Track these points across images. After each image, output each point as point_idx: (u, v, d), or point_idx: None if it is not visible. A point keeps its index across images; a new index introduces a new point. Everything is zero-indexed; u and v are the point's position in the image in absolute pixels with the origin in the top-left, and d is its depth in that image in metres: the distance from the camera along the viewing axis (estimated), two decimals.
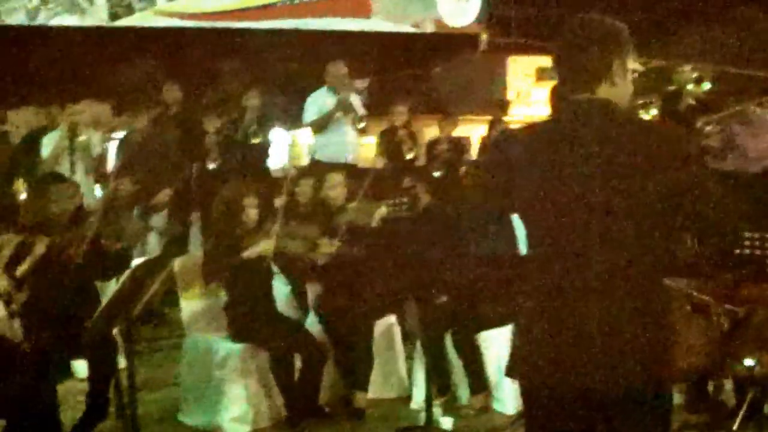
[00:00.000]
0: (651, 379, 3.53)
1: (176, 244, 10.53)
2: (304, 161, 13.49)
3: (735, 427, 6.73)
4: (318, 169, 10.73)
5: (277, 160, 12.97)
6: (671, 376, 3.70)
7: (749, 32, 15.79)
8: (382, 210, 8.04)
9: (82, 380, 7.51)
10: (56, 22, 13.69)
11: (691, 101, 11.20)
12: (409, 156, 12.66)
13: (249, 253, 7.18)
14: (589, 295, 3.49)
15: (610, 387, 3.49)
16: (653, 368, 3.52)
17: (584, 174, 3.49)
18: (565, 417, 3.60)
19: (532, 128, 3.83)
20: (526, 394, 3.72)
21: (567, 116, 3.64)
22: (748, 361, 6.55)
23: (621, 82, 3.63)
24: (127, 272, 6.09)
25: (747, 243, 6.75)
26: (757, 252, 6.75)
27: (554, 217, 3.54)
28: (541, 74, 18.18)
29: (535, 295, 3.64)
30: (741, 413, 6.79)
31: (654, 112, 11.88)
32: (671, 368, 3.69)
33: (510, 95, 19.00)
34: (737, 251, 6.70)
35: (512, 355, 3.87)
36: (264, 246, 7.21)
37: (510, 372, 3.86)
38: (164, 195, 10.54)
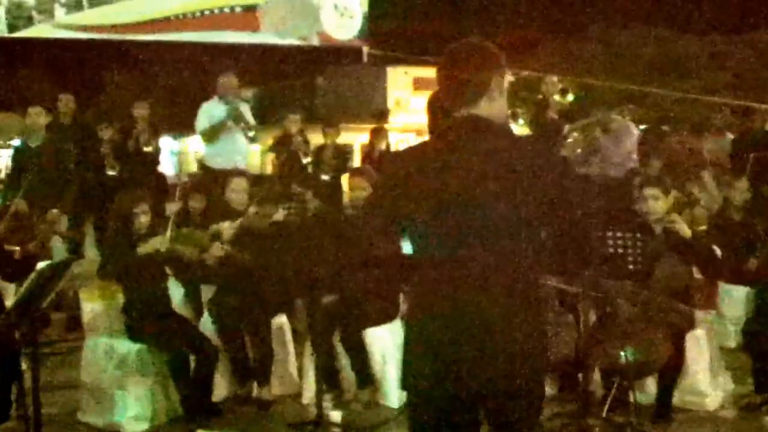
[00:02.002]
0: (531, 370, 3.60)
1: (75, 248, 10.36)
2: (194, 169, 13.40)
3: (603, 415, 6.85)
4: (213, 176, 10.68)
5: (169, 168, 12.85)
6: (546, 367, 3.79)
7: (610, 46, 16.12)
8: (280, 214, 8.03)
9: None
10: None
11: (556, 111, 11.34)
12: (305, 161, 12.64)
13: (142, 249, 7.10)
14: (472, 294, 3.54)
15: (493, 378, 3.55)
16: (532, 359, 3.60)
17: (468, 184, 3.56)
18: (447, 407, 3.64)
19: (420, 146, 3.93)
20: (411, 386, 3.73)
21: (451, 131, 3.72)
22: (614, 353, 6.68)
23: (498, 98, 3.73)
24: (32, 274, 5.99)
25: (609, 242, 6.86)
26: (619, 250, 6.87)
27: (441, 224, 3.60)
28: (419, 84, 18.30)
29: (421, 295, 3.70)
30: (608, 401, 6.92)
31: (521, 121, 12.04)
32: (547, 359, 3.79)
33: (390, 104, 19.09)
34: (602, 250, 6.81)
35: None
36: (157, 241, 7.14)
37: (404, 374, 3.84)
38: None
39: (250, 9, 12.62)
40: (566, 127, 10.86)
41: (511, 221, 3.57)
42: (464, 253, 3.56)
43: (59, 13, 12.55)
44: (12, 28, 12.57)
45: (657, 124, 13.79)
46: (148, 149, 11.78)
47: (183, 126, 13.83)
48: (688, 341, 7.15)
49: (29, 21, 12.54)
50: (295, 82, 18.13)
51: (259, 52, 13.99)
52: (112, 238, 7.44)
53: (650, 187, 7.34)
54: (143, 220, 7.28)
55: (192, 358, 7.11)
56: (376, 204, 3.93)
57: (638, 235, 6.92)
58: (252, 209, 7.92)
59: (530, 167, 3.61)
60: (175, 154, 16.33)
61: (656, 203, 7.23)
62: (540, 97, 11.83)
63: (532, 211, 3.60)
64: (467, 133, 3.67)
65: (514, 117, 12.49)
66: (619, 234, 6.89)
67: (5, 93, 13.72)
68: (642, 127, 15.52)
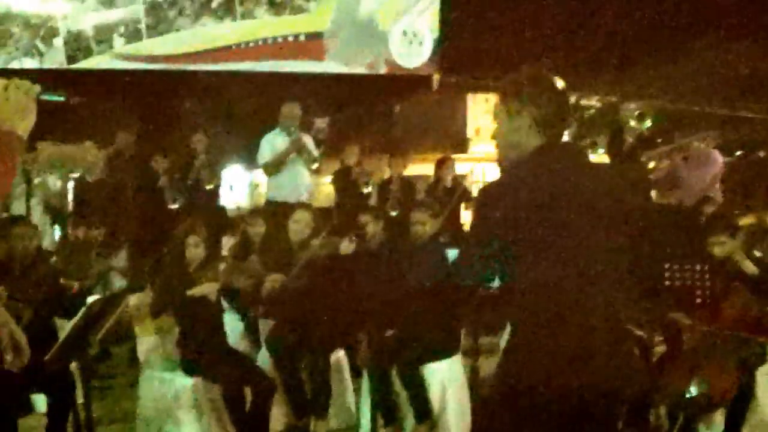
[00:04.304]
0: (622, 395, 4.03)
1: (134, 282, 10.77)
2: (263, 200, 13.75)
3: None
4: (274, 208, 11.01)
5: (232, 199, 13.16)
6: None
7: (691, 69, 16.15)
8: (347, 245, 8.32)
9: (43, 415, 7.78)
10: (15, 65, 13.87)
11: (633, 138, 11.47)
12: (363, 191, 12.90)
13: (194, 291, 7.41)
14: (573, 319, 3.86)
15: (588, 399, 3.88)
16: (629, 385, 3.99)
17: (573, 213, 3.88)
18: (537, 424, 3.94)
19: (517, 176, 4.05)
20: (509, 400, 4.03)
21: (546, 158, 3.98)
22: (680, 387, 6.89)
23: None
24: (82, 309, 6.22)
25: (676, 273, 7.07)
26: (687, 282, 7.07)
27: (545, 254, 3.87)
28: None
29: (527, 318, 3.95)
30: None
31: (600, 150, 12.17)
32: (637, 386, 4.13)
33: (470, 133, 19.16)
34: (667, 282, 7.03)
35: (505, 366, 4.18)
36: (207, 288, 7.47)
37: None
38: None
39: (315, 36, 12.93)
40: (643, 155, 11.08)
41: (602, 247, 3.89)
42: (562, 278, 3.87)
43: (118, 43, 12.94)
44: (71, 59, 13.02)
45: (750, 150, 13.84)
46: (205, 180, 12.18)
47: (251, 158, 14.18)
48: (758, 375, 7.25)
49: (88, 51, 12.98)
50: (369, 111, 18.30)
51: (327, 81, 14.31)
52: (165, 271, 7.80)
53: (715, 234, 7.55)
54: (195, 251, 7.60)
55: (248, 391, 7.39)
56: (478, 233, 4.11)
57: (706, 267, 7.12)
58: (316, 242, 8.25)
59: (624, 194, 3.98)
60: (249, 186, 16.64)
61: (716, 248, 7.41)
62: (616, 123, 11.97)
63: (620, 238, 3.93)
64: (566, 161, 3.98)
65: (593, 146, 12.64)
66: (687, 266, 7.10)
67: (66, 125, 14.18)
68: (738, 152, 15.57)
